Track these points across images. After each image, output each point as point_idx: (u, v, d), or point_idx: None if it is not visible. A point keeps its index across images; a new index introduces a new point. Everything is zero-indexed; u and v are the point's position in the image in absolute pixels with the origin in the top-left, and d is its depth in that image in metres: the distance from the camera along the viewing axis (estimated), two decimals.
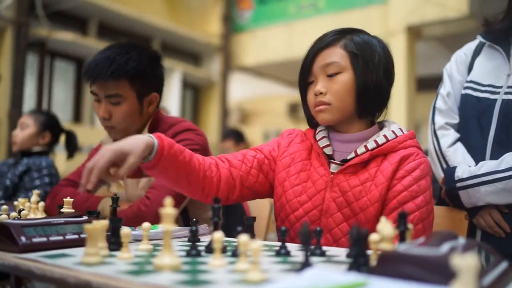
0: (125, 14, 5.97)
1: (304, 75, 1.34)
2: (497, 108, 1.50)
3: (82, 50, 5.52)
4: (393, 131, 1.31)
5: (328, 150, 1.34)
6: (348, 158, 1.30)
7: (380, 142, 1.29)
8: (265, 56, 7.04)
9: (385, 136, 1.30)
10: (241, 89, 9.16)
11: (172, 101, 6.65)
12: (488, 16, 1.61)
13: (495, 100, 1.51)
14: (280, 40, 6.84)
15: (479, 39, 1.64)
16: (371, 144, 1.29)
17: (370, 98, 1.30)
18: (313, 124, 1.42)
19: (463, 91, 1.60)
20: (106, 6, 5.74)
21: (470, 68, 1.62)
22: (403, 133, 1.33)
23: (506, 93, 1.49)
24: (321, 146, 1.35)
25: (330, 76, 1.29)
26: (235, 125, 9.35)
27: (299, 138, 1.44)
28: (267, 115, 10.35)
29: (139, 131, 1.72)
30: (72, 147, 2.76)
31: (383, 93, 1.32)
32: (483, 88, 1.55)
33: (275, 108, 10.04)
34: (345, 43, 1.30)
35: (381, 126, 1.38)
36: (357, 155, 1.29)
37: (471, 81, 1.59)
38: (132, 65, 1.61)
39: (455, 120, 1.62)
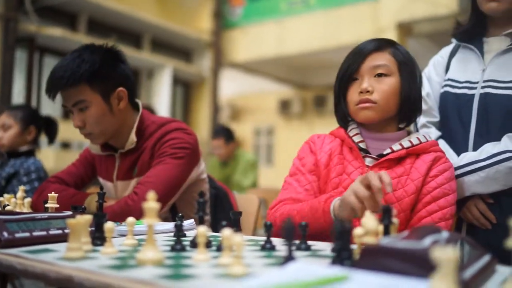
0: (115, 10, 5.93)
1: (350, 73, 1.40)
2: (476, 102, 1.55)
3: (71, 46, 5.40)
4: (424, 135, 1.41)
5: (362, 145, 1.42)
6: (385, 153, 1.38)
7: (414, 143, 1.38)
8: (256, 52, 7.03)
9: (418, 138, 1.40)
10: (232, 86, 9.14)
11: (162, 97, 6.62)
12: (460, 19, 1.70)
13: (473, 95, 1.56)
14: (271, 37, 6.83)
15: (454, 42, 1.71)
16: (406, 143, 1.38)
17: (412, 105, 1.40)
18: (344, 122, 1.48)
19: (442, 90, 1.66)
20: (96, 1, 5.70)
21: (447, 69, 1.69)
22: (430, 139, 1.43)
23: (482, 87, 1.55)
24: (356, 141, 1.42)
25: (378, 76, 1.37)
26: (226, 121, 9.34)
27: (328, 139, 1.50)
28: (258, 112, 10.33)
29: (122, 131, 1.70)
30: (52, 134, 2.70)
31: (421, 102, 1.44)
32: (460, 85, 1.60)
33: (266, 105, 10.03)
34: (393, 51, 1.40)
35: (408, 132, 1.47)
36: (393, 151, 1.37)
37: (448, 79, 1.65)
38: (85, 68, 1.57)
39: (436, 118, 1.68)
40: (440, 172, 1.34)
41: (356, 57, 1.40)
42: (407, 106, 1.39)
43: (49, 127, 2.69)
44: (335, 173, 1.41)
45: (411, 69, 1.40)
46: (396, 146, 1.37)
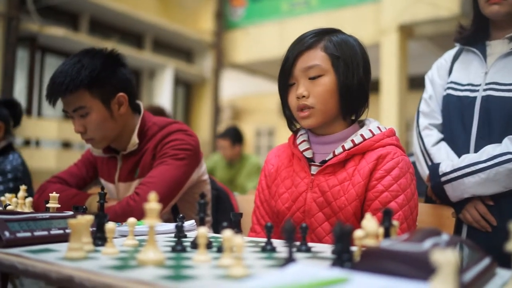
0: (117, 10, 5.93)
1: (285, 78, 1.36)
2: (478, 105, 1.55)
3: (73, 46, 5.46)
4: (370, 130, 1.33)
5: (308, 154, 1.37)
6: (327, 159, 1.33)
7: (356, 142, 1.31)
8: (258, 53, 7.03)
9: (362, 135, 1.32)
10: (233, 86, 9.14)
11: (163, 97, 6.63)
12: (464, 23, 1.71)
13: (475, 97, 1.57)
14: (273, 38, 6.83)
15: (457, 46, 1.71)
16: (348, 144, 1.31)
17: (353, 98, 1.33)
18: (292, 127, 1.45)
19: (445, 92, 1.67)
20: (98, 1, 5.70)
21: (450, 72, 1.69)
22: (381, 131, 1.34)
23: (484, 89, 1.55)
24: (301, 150, 1.38)
25: (312, 78, 1.31)
26: (227, 122, 9.33)
27: (282, 149, 1.49)
28: (259, 113, 10.34)
29: (124, 134, 1.71)
30: (17, 116, 2.47)
31: (365, 91, 1.35)
32: (463, 88, 1.61)
33: (267, 106, 10.03)
34: (325, 45, 1.32)
35: (362, 124, 1.40)
36: (334, 156, 1.32)
37: (451, 82, 1.65)
38: (85, 74, 1.57)
39: (438, 120, 1.67)
40: (387, 172, 1.26)
41: (286, 61, 1.35)
42: (349, 100, 1.32)
43: (12, 111, 2.46)
44: (284, 188, 1.39)
45: (347, 59, 1.31)
46: (338, 149, 1.31)
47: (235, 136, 4.63)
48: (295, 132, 1.46)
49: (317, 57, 1.31)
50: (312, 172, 1.35)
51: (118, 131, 1.68)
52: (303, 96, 1.31)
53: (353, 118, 1.39)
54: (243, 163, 4.70)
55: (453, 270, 0.57)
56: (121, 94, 1.66)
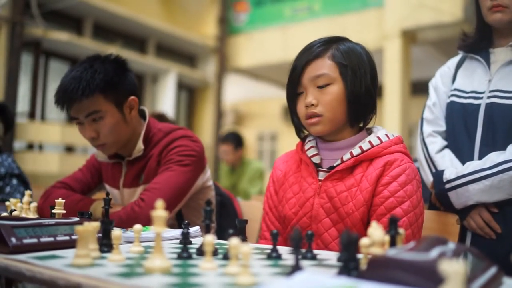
0: (120, 15, 5.95)
1: (293, 86, 1.37)
2: (482, 112, 1.56)
3: (77, 50, 5.48)
4: (378, 137, 1.34)
5: (316, 159, 1.38)
6: (335, 165, 1.34)
7: (365, 148, 1.32)
8: (261, 58, 7.04)
9: (370, 142, 1.33)
10: (236, 91, 9.15)
11: (166, 102, 6.63)
12: (467, 28, 1.72)
13: (479, 105, 1.57)
14: (276, 43, 6.84)
15: (461, 53, 1.72)
16: (356, 150, 1.32)
17: (361, 106, 1.34)
18: (301, 134, 1.47)
19: (448, 100, 1.67)
20: (102, 6, 5.71)
21: (453, 79, 1.70)
22: (389, 138, 1.35)
23: (488, 97, 1.56)
24: (309, 156, 1.39)
25: (320, 87, 1.32)
26: (230, 127, 9.34)
27: (290, 155, 1.51)
28: (262, 117, 10.34)
29: (131, 140, 1.71)
30: (8, 121, 2.39)
31: (372, 99, 1.36)
32: (466, 95, 1.62)
33: (270, 111, 10.04)
34: (333, 53, 1.33)
35: (370, 132, 1.41)
36: (342, 162, 1.32)
37: (455, 89, 1.66)
38: (99, 77, 1.58)
39: (442, 128, 1.68)
40: (393, 178, 1.27)
41: (294, 70, 1.36)
42: (356, 107, 1.33)
43: (3, 115, 2.39)
44: (291, 193, 1.40)
45: (354, 67, 1.32)
46: (346, 156, 1.32)
47: (237, 140, 4.63)
48: (303, 139, 1.47)
49: (325, 66, 1.32)
50: (319, 178, 1.36)
51: (129, 135, 1.69)
52: (312, 105, 1.32)
53: (361, 125, 1.40)
54: (244, 168, 4.70)
55: (461, 280, 0.57)
56: (132, 97, 1.68)
